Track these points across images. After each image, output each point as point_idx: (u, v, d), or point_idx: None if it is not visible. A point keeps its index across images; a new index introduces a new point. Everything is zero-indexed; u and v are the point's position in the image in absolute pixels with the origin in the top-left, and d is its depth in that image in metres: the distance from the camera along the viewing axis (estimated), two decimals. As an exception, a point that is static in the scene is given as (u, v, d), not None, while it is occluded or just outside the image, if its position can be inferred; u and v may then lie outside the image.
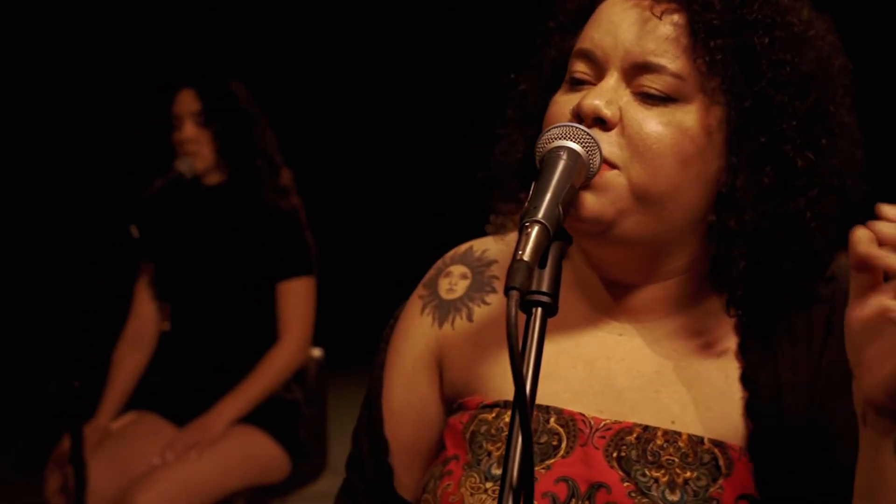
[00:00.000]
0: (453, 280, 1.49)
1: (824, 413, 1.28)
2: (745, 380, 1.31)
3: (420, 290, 1.51)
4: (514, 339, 1.00)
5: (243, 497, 3.44)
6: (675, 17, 1.27)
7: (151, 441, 3.34)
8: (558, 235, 1.14)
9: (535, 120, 1.34)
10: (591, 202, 1.24)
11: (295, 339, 3.48)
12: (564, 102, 1.30)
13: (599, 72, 1.29)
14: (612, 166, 1.25)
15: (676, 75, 1.25)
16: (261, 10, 7.39)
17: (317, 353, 3.74)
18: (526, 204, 1.13)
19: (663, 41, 1.26)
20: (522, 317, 1.09)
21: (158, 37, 6.79)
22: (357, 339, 3.50)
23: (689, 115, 1.25)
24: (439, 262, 1.52)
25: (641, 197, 1.25)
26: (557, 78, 1.34)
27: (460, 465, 1.35)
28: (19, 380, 4.79)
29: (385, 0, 7.50)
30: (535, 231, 1.09)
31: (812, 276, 1.31)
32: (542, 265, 1.11)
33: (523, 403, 1.02)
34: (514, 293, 1.03)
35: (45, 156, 6.78)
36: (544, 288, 1.11)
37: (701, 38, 1.25)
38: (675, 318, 1.36)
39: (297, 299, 3.49)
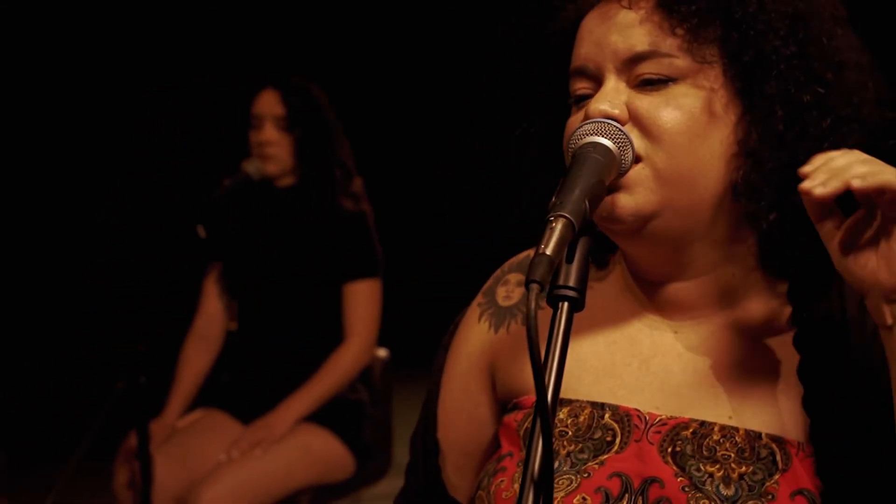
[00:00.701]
0: (510, 287, 1.50)
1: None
2: (803, 373, 1.29)
3: (479, 298, 1.53)
4: (533, 332, 1.00)
5: (307, 495, 3.47)
6: (643, 3, 1.29)
7: (217, 438, 3.38)
8: (585, 230, 1.13)
9: (560, 158, 1.35)
10: (624, 200, 1.25)
11: (360, 340, 3.49)
12: (575, 121, 1.31)
13: (597, 82, 1.30)
14: (636, 159, 1.25)
15: (665, 54, 1.26)
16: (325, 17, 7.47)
17: (382, 353, 3.77)
18: (553, 199, 1.13)
19: (640, 27, 1.28)
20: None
21: (233, 36, 6.89)
22: (423, 340, 3.50)
23: (691, 89, 1.26)
24: (498, 272, 1.53)
25: (670, 181, 1.25)
26: (568, 111, 1.35)
27: (514, 461, 1.35)
28: (89, 376, 4.88)
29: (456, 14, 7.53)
30: (559, 225, 1.08)
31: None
32: (570, 260, 1.11)
33: (544, 404, 1.02)
34: (535, 286, 1.03)
35: (118, 157, 6.89)
36: (571, 283, 1.10)
37: (673, 9, 1.26)
38: (729, 312, 1.34)
39: (363, 301, 3.51)
